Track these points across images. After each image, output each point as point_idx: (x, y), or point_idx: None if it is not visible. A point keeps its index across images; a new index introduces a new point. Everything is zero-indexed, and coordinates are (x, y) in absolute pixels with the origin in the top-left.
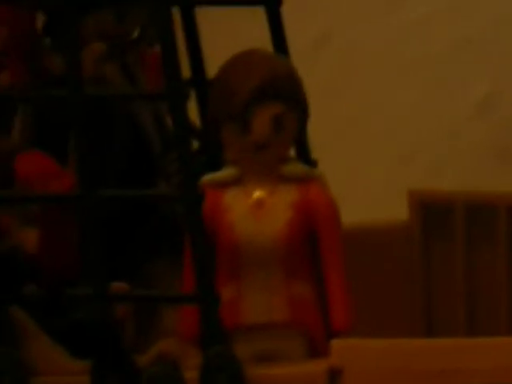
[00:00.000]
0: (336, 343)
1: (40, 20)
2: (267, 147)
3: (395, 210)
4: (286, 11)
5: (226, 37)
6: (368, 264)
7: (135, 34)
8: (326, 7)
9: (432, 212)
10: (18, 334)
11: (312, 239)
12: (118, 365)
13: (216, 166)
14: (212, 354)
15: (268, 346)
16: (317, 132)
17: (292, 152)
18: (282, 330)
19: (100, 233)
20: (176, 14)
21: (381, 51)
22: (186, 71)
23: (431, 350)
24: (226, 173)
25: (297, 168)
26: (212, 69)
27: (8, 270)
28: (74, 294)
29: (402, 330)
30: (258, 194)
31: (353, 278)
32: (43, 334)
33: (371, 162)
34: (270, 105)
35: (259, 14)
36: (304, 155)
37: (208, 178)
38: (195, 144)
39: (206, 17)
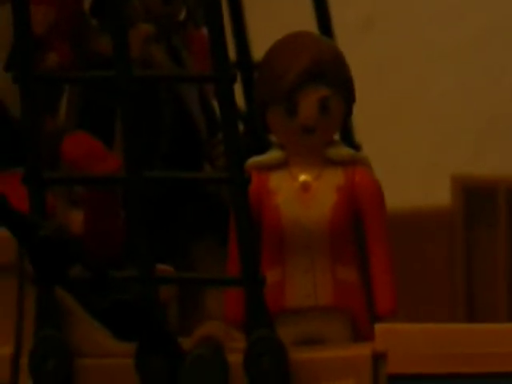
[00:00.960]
0: (380, 327)
1: (87, 1)
2: (314, 130)
3: (438, 195)
4: None
5: (271, 19)
6: (410, 249)
7: (182, 15)
8: None
9: (475, 197)
10: (62, 316)
11: (357, 223)
12: (162, 347)
13: (261, 149)
14: (256, 338)
15: (312, 329)
16: (359, 116)
17: (336, 135)
18: (327, 314)
19: (146, 215)
20: None
21: (423, 36)
22: (231, 53)
23: (475, 335)
24: (272, 156)
25: (342, 151)
26: (257, 51)
27: (53, 251)
28: (119, 275)
29: (443, 316)
30: (303, 177)
31: (395, 263)
32: (88, 315)
33: (414, 147)
34: (316, 87)
35: None
36: (348, 139)
37: (254, 160)
38: (240, 127)
39: None
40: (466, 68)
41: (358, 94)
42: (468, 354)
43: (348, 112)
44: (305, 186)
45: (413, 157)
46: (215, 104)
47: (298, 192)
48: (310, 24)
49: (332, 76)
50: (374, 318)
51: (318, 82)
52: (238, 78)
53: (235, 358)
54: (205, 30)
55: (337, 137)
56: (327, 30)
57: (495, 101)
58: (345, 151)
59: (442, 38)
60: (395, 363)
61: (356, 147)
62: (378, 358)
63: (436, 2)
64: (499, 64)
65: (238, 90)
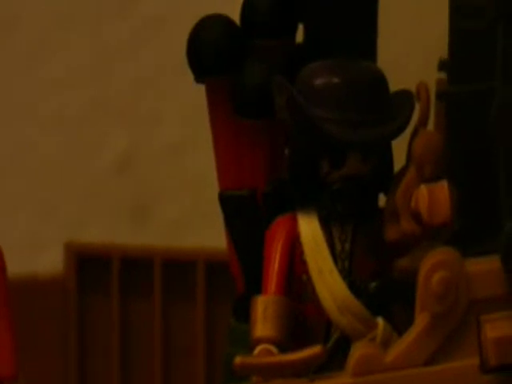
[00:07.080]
0: None
1: None
2: None
3: (52, 263)
4: None
5: None
6: (24, 316)
7: None
8: None
9: (88, 264)
10: None
11: None
12: None
13: None
14: None
15: None
16: None
17: None
18: None
19: None
20: None
21: (24, 106)
22: None
23: None
24: None
25: None
26: None
27: None
28: None
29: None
30: None
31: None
32: None
33: (22, 213)
34: None
35: None
36: None
37: None
38: None
39: None
40: (66, 141)
41: None
42: None
43: None
44: None
45: (22, 225)
46: None
47: None
48: None
49: None
50: None
51: None
52: None
53: None
54: None
55: None
56: None
57: (94, 174)
58: None
59: (45, 109)
60: None
61: None
62: None
63: (34, 74)
64: (100, 138)
65: None
